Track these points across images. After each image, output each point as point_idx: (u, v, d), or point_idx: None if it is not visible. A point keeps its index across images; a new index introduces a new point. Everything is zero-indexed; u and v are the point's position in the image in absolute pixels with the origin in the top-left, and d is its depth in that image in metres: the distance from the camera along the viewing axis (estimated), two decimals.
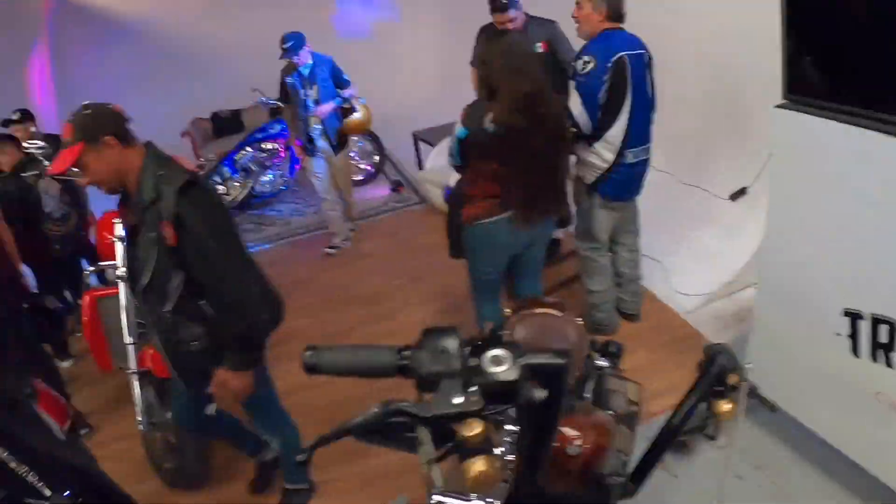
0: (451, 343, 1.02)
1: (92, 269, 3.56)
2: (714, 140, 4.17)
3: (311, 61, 4.80)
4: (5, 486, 1.49)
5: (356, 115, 5.09)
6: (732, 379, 1.44)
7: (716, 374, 1.43)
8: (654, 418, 1.96)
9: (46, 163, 3.53)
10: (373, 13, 8.76)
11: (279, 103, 6.59)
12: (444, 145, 5.35)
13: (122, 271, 3.06)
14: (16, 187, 4.19)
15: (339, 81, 4.94)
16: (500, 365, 0.96)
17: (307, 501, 2.82)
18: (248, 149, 6.77)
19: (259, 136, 6.80)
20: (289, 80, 4.84)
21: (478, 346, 1.00)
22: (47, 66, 8.37)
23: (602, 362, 1.72)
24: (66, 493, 1.41)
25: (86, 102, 2.15)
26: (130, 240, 2.21)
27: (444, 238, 3.25)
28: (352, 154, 6.15)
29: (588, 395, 1.62)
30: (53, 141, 4.80)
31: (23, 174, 4.23)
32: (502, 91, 2.58)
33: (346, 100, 4.97)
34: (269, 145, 6.78)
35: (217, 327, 2.15)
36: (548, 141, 2.66)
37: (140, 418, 3.02)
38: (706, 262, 3.96)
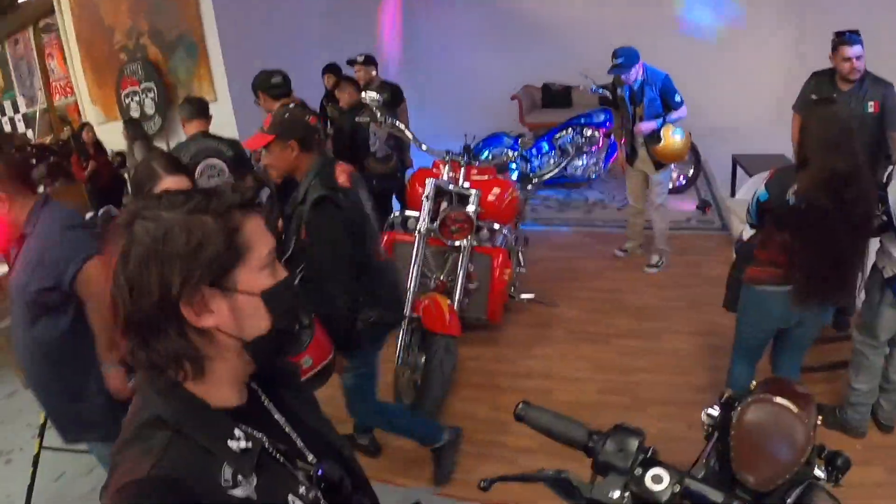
0: (632, 445, 1.18)
1: (397, 214, 4.14)
2: None
3: (641, 77, 4.68)
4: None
5: (661, 144, 4.76)
6: None
7: None
8: None
9: (376, 112, 4.02)
10: (719, 15, 8.37)
11: (607, 93, 6.80)
12: (758, 179, 5.10)
13: (422, 224, 3.59)
14: (349, 125, 4.96)
15: (670, 102, 4.73)
16: (657, 483, 1.11)
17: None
18: (570, 130, 7.08)
19: (582, 120, 7.06)
20: (619, 90, 4.92)
21: (649, 460, 1.15)
22: (398, 13, 9.47)
23: (820, 473, 1.62)
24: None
25: (290, 107, 2.68)
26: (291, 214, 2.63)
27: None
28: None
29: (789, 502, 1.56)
30: (388, 88, 5.57)
31: (356, 115, 4.88)
32: (812, 165, 2.46)
33: (666, 124, 4.72)
34: (589, 132, 7.01)
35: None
36: (850, 227, 2.48)
37: (398, 354, 3.51)
38: None
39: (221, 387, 0.98)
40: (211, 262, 0.89)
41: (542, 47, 9.05)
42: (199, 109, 3.79)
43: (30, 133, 7.29)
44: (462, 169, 3.86)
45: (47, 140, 6.68)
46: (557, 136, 7.12)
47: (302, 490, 1.00)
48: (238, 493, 0.90)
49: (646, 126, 4.70)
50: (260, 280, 0.96)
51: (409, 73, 9.08)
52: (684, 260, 5.36)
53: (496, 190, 3.97)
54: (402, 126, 4.03)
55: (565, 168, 7.02)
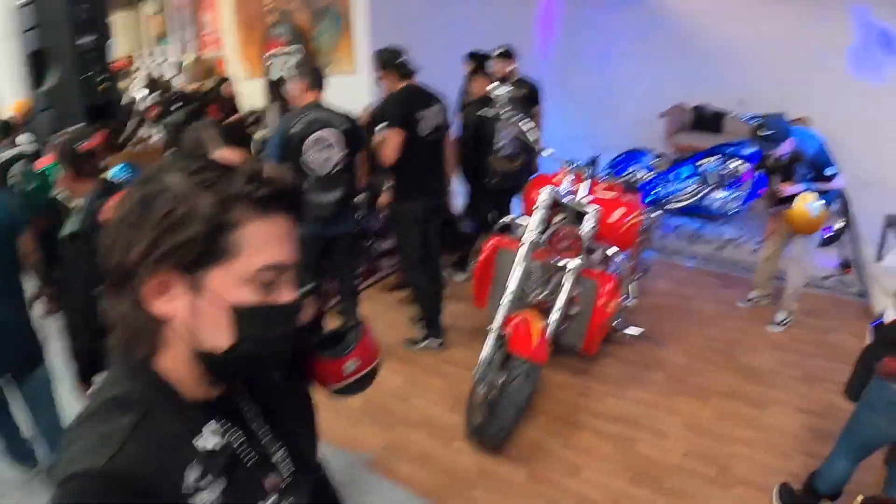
0: None
1: (509, 217, 3.85)
2: None
3: (789, 152, 4.17)
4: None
5: (792, 210, 4.18)
6: None
7: None
8: None
9: (501, 107, 3.81)
10: (892, 57, 7.43)
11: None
12: None
13: (530, 235, 3.31)
14: (475, 116, 4.76)
15: (820, 169, 4.18)
16: None
17: None
18: (715, 158, 6.52)
19: (730, 149, 6.47)
20: None
21: None
22: (556, 8, 9.10)
23: None
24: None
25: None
26: None
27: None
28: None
29: None
30: (526, 85, 5.32)
31: (483, 107, 4.70)
32: None
33: (806, 191, 4.16)
34: (735, 163, 6.42)
35: None
36: None
37: (478, 367, 3.28)
38: None
39: (191, 377, 0.86)
40: (182, 246, 0.77)
41: (699, 67, 8.45)
42: (319, 79, 3.69)
43: (178, 80, 7.61)
44: (585, 182, 3.54)
45: (191, 87, 6.93)
46: (700, 162, 6.57)
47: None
48: (201, 498, 0.80)
49: (790, 189, 4.23)
50: (238, 292, 0.79)
51: (556, 74, 8.78)
52: (811, 323, 4.76)
53: (619, 211, 3.61)
54: (524, 126, 3.75)
55: (702, 199, 6.51)
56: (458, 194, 5.28)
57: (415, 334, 4.40)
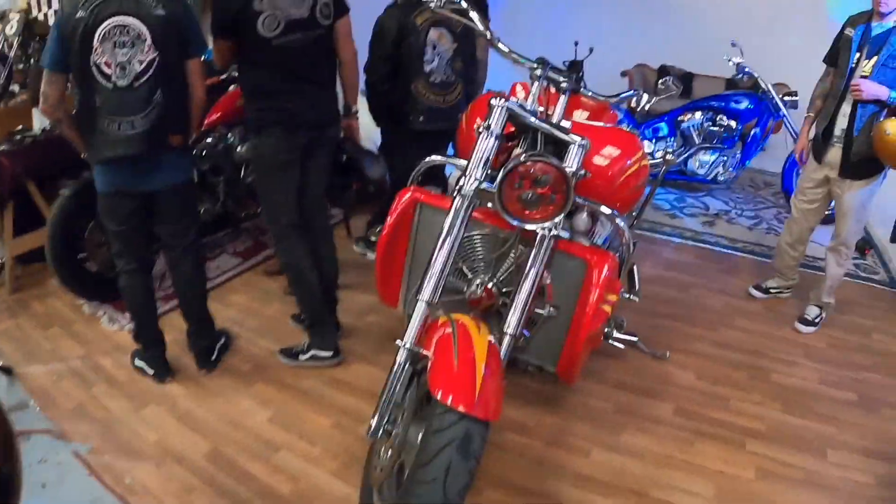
0: None
1: (437, 157, 2.38)
2: None
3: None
4: None
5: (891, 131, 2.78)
6: None
7: None
8: None
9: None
10: None
11: (756, 75, 4.95)
12: None
13: (469, 181, 1.85)
14: (395, 23, 3.16)
15: None
16: None
17: None
18: (698, 113, 5.20)
19: (717, 103, 5.17)
20: (847, 29, 3.01)
21: None
22: None
23: None
24: None
25: None
26: None
27: None
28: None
29: None
30: None
31: (412, 10, 3.15)
32: None
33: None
34: (725, 120, 5.12)
35: None
36: None
37: (379, 409, 1.73)
38: None
39: None
40: None
41: (665, 25, 7.31)
42: None
43: None
44: (562, 98, 2.09)
45: None
46: (681, 118, 5.26)
47: None
48: None
49: (873, 87, 2.83)
50: None
51: (506, 18, 7.48)
52: (847, 322, 3.52)
53: (614, 148, 2.17)
54: (478, 21, 2.21)
55: (685, 161, 5.20)
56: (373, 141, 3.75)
57: (296, 342, 2.92)
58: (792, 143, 4.85)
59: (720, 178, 5.14)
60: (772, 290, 3.69)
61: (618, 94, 2.24)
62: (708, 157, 5.11)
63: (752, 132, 5.10)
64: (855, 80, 2.87)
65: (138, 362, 2.79)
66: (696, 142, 5.14)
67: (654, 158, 5.11)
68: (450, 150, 3.39)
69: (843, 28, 3.05)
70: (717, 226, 4.81)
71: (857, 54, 2.90)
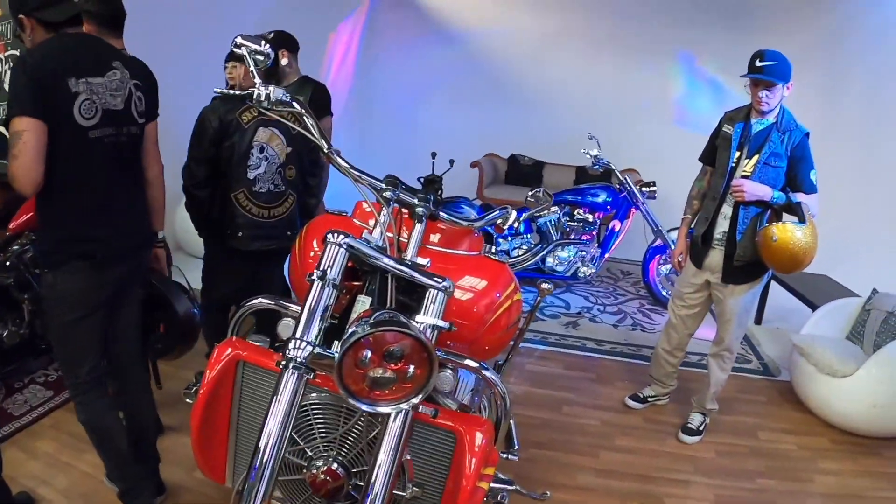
0: None
1: (265, 300, 1.88)
2: None
3: (777, 118, 2.75)
4: None
5: (778, 232, 2.61)
6: None
7: None
8: None
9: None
10: (719, 106, 6.79)
11: (613, 167, 4.97)
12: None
13: (300, 344, 1.41)
14: (218, 118, 2.69)
15: (800, 177, 2.73)
16: None
17: None
18: (555, 209, 5.11)
19: (573, 198, 5.11)
20: (725, 126, 2.90)
21: None
22: (355, 41, 7.59)
23: None
24: None
25: None
26: None
27: None
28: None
29: None
30: (311, 86, 3.67)
31: (238, 105, 2.71)
32: None
33: (789, 205, 2.67)
34: (582, 213, 5.06)
35: None
36: None
37: None
38: None
39: None
40: None
41: (515, 115, 7.41)
42: None
43: None
44: (418, 227, 1.73)
45: None
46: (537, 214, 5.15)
47: None
48: None
49: (756, 188, 2.71)
50: None
51: (354, 111, 7.26)
52: (731, 423, 3.40)
53: (480, 281, 1.82)
54: (313, 128, 1.79)
55: (543, 259, 5.05)
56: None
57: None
58: (650, 234, 4.84)
59: (580, 275, 5.02)
60: (649, 399, 3.48)
61: (483, 216, 1.91)
62: (566, 254, 4.99)
63: (610, 224, 5.07)
64: (736, 181, 2.75)
65: None
66: (554, 238, 5.02)
67: (511, 258, 4.95)
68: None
69: (721, 125, 2.95)
70: (581, 327, 4.61)
71: (738, 153, 2.80)
